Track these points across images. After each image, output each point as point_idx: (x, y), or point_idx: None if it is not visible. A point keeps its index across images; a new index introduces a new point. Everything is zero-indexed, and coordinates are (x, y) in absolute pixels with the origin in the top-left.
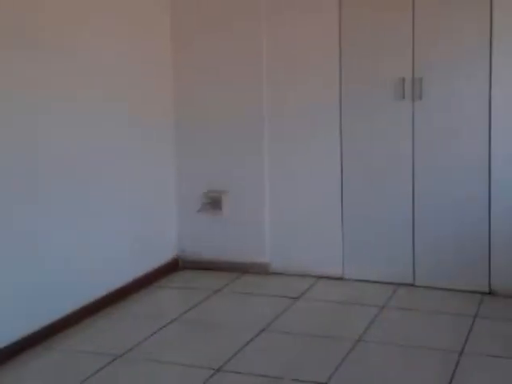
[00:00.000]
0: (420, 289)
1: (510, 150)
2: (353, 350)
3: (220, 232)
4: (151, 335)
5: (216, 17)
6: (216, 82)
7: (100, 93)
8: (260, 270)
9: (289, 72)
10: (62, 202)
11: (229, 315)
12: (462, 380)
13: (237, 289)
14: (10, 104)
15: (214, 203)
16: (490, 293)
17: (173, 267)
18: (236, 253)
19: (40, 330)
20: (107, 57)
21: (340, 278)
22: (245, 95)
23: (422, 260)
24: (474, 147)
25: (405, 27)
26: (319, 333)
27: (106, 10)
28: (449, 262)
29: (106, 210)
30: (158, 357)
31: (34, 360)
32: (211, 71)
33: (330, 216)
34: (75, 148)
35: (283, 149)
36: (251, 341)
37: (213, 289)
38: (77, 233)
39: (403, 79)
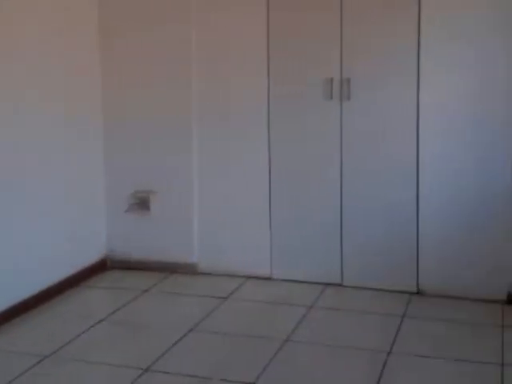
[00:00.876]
0: (348, 289)
1: (438, 152)
2: (281, 349)
3: (148, 232)
4: (79, 335)
5: (145, 14)
6: (145, 80)
7: (24, 91)
8: (188, 269)
9: (218, 71)
10: None
11: (157, 315)
12: (390, 380)
13: (165, 289)
14: None
15: (142, 203)
16: (418, 293)
17: (101, 267)
18: (164, 253)
19: None
20: (31, 55)
21: (268, 278)
22: (173, 94)
23: (350, 260)
24: (401, 149)
25: (333, 28)
26: (247, 333)
27: (33, 9)
28: (377, 262)
29: (34, 210)
30: (86, 357)
31: None
32: (140, 69)
33: (258, 216)
34: (1, 147)
35: (212, 148)
36: (179, 341)
37: (141, 289)
38: (3, 232)
39: (331, 80)
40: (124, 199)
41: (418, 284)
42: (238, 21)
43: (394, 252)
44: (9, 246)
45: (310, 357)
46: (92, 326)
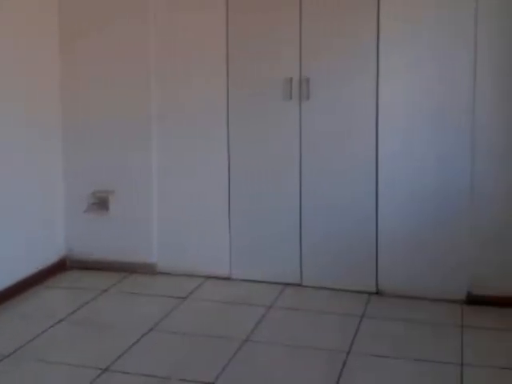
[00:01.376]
0: (307, 289)
1: (397, 150)
2: (240, 349)
3: (108, 232)
4: (39, 335)
5: (104, 16)
6: (104, 81)
7: None
8: (148, 269)
9: (177, 70)
10: None
11: (116, 315)
12: (349, 380)
13: (124, 289)
14: None
15: (101, 203)
16: (377, 293)
17: (61, 267)
18: (124, 253)
19: None
20: None
21: (227, 278)
22: (132, 94)
23: (309, 260)
24: (361, 148)
25: (292, 27)
26: (207, 333)
27: None
28: (336, 262)
29: None
30: (45, 357)
31: None
32: (99, 69)
33: (217, 216)
34: None
35: (171, 148)
36: (139, 341)
37: (100, 289)
38: None
39: (291, 79)
40: (83, 199)
41: (377, 284)
42: (197, 21)
43: (353, 252)
44: None
45: (269, 357)
46: (51, 326)
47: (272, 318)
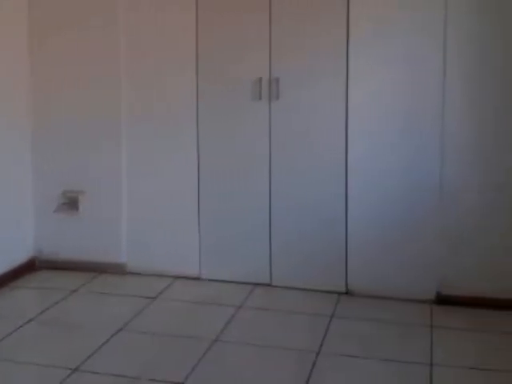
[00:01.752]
0: (277, 289)
1: (367, 151)
2: (210, 349)
3: (77, 232)
4: (7, 335)
5: (74, 15)
6: (74, 81)
7: None
8: (117, 269)
9: (146, 70)
10: None
11: (86, 315)
12: (319, 380)
13: (94, 289)
14: None
15: (71, 203)
16: (347, 293)
17: (30, 267)
18: (93, 253)
19: None
20: None
21: (197, 278)
22: (102, 94)
23: (279, 260)
24: (330, 149)
25: (262, 27)
26: (176, 333)
27: None
28: (306, 262)
29: None
30: (14, 357)
31: None
32: (69, 69)
33: (186, 216)
34: None
35: (141, 148)
36: (108, 341)
37: (70, 289)
38: None
39: (260, 79)
40: (53, 199)
41: (346, 284)
42: (167, 20)
43: (323, 252)
44: None
45: (239, 357)
46: (21, 326)
47: (242, 318)
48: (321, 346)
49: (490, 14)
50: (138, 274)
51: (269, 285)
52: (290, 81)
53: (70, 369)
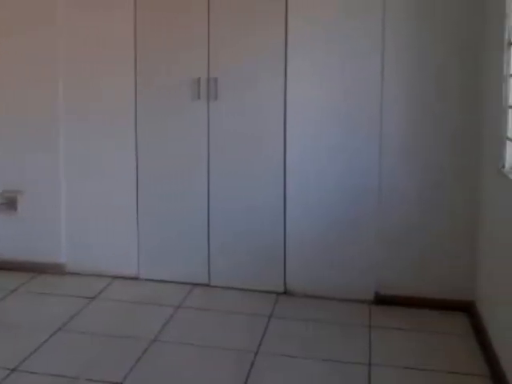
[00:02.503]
0: (215, 289)
1: (306, 152)
2: (148, 349)
3: (16, 232)
4: None
5: (11, 16)
6: (12, 81)
7: None
8: (56, 269)
9: (85, 70)
10: None
11: (25, 315)
12: (257, 380)
13: (33, 289)
14: None
15: (9, 203)
16: (285, 293)
17: None
18: (32, 253)
19: None
20: None
21: (136, 278)
22: (40, 93)
23: (218, 260)
24: (269, 149)
25: (201, 27)
26: (115, 333)
27: None
28: (244, 262)
29: None
30: None
31: None
32: (7, 69)
33: (125, 216)
34: None
35: (79, 148)
36: (47, 341)
37: (9, 289)
38: None
39: (198, 79)
40: None
41: (285, 284)
42: (105, 20)
43: (262, 252)
44: None
45: (178, 357)
46: None
47: (180, 318)
48: (259, 345)
49: (428, 19)
50: (77, 274)
51: (207, 285)
52: (228, 81)
53: (9, 369)
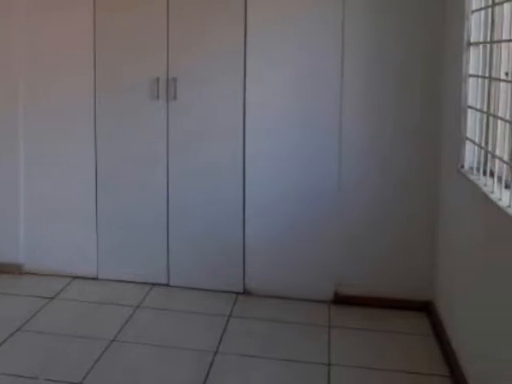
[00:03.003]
0: (175, 289)
1: (265, 151)
2: (107, 349)
3: None
4: None
5: None
6: None
7: None
8: (14, 269)
9: (44, 70)
10: None
11: None
12: (217, 380)
13: None
14: None
15: None
16: (245, 292)
17: None
18: None
19: None
20: None
21: (95, 278)
22: None
23: (177, 260)
24: (228, 149)
25: (160, 27)
26: (74, 333)
27: None
28: (203, 262)
29: None
30: None
31: None
32: None
33: (84, 216)
34: None
35: (39, 148)
36: (5, 341)
37: None
38: None
39: (158, 79)
40: None
41: (244, 284)
42: (64, 20)
43: (221, 252)
44: None
45: (137, 357)
46: None
47: (139, 318)
48: (218, 345)
49: (388, 15)
50: (36, 274)
51: (166, 285)
52: (187, 81)
53: None
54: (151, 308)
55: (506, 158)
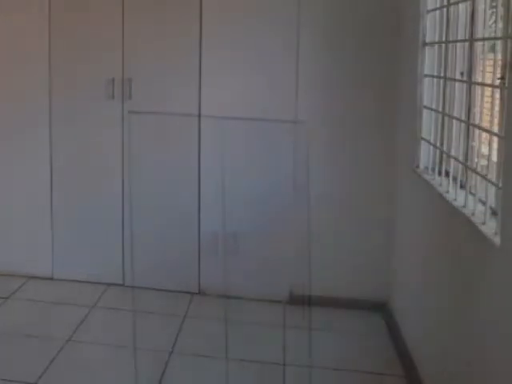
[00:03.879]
0: (130, 289)
1: (219, 153)
2: (63, 349)
3: None
4: None
5: None
6: None
7: None
8: None
9: None
10: None
11: None
12: (172, 379)
13: None
14: None
15: None
16: (200, 293)
17: None
18: None
19: None
20: None
21: (50, 278)
22: None
23: (133, 260)
24: (183, 148)
25: (115, 28)
26: (29, 333)
27: None
28: (159, 262)
29: None
30: None
31: None
32: None
33: (39, 216)
34: None
35: None
36: None
37: None
38: None
39: (113, 80)
40: None
41: (199, 284)
42: (19, 20)
43: (176, 252)
44: None
45: (92, 357)
46: None
47: (95, 319)
48: (174, 345)
49: (344, 12)
50: None
51: (122, 285)
52: (142, 81)
53: None
54: (106, 308)
55: (461, 158)
